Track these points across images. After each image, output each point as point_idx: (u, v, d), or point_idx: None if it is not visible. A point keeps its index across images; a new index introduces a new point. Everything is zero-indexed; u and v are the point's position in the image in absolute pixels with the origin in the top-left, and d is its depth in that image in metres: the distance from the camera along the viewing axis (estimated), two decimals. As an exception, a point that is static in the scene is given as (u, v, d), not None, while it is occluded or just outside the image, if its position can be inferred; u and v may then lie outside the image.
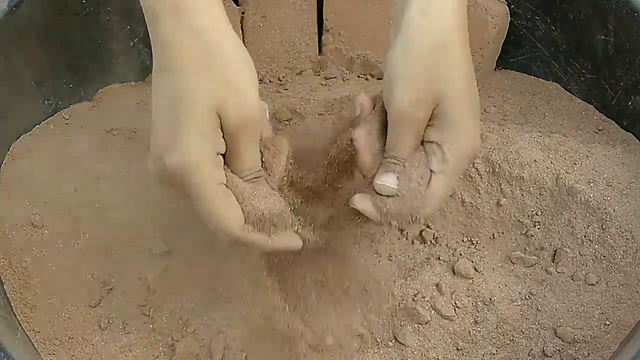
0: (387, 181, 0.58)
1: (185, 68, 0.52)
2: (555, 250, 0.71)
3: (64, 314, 0.68)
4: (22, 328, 0.66)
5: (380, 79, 0.88)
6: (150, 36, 0.54)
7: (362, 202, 0.59)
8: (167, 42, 0.52)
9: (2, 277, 0.69)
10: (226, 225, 0.54)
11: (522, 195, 0.73)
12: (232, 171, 0.56)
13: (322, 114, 0.81)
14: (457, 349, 0.67)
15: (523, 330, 0.67)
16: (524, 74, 0.89)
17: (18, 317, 0.67)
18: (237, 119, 0.53)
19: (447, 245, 0.74)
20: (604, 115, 0.84)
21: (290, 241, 0.59)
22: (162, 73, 0.53)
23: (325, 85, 0.88)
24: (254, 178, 0.57)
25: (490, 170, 0.75)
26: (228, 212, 0.54)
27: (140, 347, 0.67)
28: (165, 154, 0.52)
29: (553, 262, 0.71)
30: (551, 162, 0.74)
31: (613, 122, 0.83)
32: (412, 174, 0.58)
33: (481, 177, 0.75)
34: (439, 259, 0.72)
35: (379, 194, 0.59)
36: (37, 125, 0.80)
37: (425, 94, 0.56)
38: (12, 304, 0.67)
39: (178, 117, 0.51)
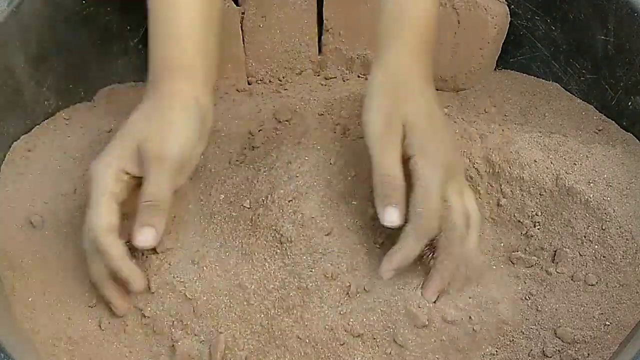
0: (391, 219, 0.64)
1: (140, 108, 0.69)
2: (555, 251, 0.71)
3: (64, 314, 0.68)
4: (22, 328, 0.66)
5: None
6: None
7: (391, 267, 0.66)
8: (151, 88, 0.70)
9: (2, 277, 0.69)
10: (93, 220, 0.65)
11: (522, 195, 0.73)
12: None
13: (322, 114, 0.81)
14: (457, 349, 0.66)
15: (523, 330, 0.67)
16: (524, 74, 0.89)
17: (18, 317, 0.67)
18: (154, 153, 0.65)
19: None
20: (604, 115, 0.84)
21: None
22: (143, 103, 0.69)
23: (325, 85, 0.88)
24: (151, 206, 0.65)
25: (490, 170, 0.75)
26: (98, 213, 0.65)
27: (141, 347, 0.67)
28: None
29: (553, 262, 0.71)
30: (551, 163, 0.74)
31: (613, 122, 0.83)
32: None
33: (481, 178, 0.75)
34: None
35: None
36: (37, 125, 0.80)
37: (394, 116, 0.65)
38: (12, 304, 0.67)
39: (115, 138, 0.68)
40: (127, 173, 0.66)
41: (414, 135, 0.65)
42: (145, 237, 0.64)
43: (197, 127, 0.67)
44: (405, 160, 0.65)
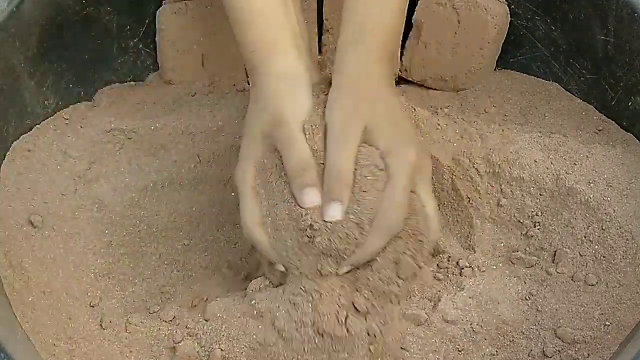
0: (333, 214, 0.64)
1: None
2: (555, 251, 0.71)
3: (64, 314, 0.68)
4: (22, 328, 0.66)
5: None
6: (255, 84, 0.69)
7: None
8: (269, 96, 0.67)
9: (2, 277, 0.68)
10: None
11: (522, 195, 0.73)
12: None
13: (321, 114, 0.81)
14: (458, 350, 0.66)
15: (523, 330, 0.67)
16: (524, 74, 0.89)
17: (18, 317, 0.67)
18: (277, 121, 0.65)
19: (447, 246, 0.74)
20: (604, 115, 0.84)
21: None
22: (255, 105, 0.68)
23: (326, 85, 0.88)
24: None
25: (490, 170, 0.75)
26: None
27: (141, 347, 0.67)
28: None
29: (553, 262, 0.71)
30: (551, 163, 0.74)
31: (613, 122, 0.82)
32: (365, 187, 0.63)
33: (481, 178, 0.75)
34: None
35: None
36: (37, 125, 0.80)
37: (355, 116, 0.65)
38: (12, 304, 0.67)
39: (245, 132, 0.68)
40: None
41: (378, 136, 0.65)
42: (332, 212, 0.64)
43: (309, 94, 0.67)
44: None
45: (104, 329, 0.68)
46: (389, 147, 0.65)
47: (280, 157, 0.65)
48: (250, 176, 0.65)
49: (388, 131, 0.66)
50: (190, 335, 0.67)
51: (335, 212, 0.63)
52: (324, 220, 0.63)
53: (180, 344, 0.67)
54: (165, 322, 0.68)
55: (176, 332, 0.68)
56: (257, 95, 0.67)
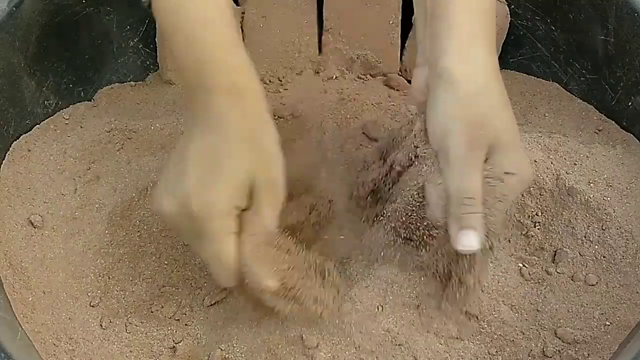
0: (469, 244, 0.60)
1: (230, 137, 0.58)
2: (556, 251, 0.71)
3: (64, 314, 0.68)
4: (22, 328, 0.66)
5: (378, 76, 0.88)
6: (189, 95, 0.59)
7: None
8: (218, 113, 0.58)
9: (2, 277, 0.69)
10: (226, 259, 0.59)
11: (522, 195, 0.73)
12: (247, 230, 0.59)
13: (322, 114, 0.81)
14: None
15: (523, 331, 0.67)
16: (524, 74, 0.89)
17: (18, 317, 0.67)
18: (266, 183, 0.59)
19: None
20: (604, 115, 0.84)
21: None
22: (205, 132, 0.58)
23: (325, 85, 0.88)
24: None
25: (491, 170, 0.75)
26: (230, 251, 0.59)
27: (141, 348, 0.67)
28: (192, 197, 0.57)
29: (553, 262, 0.71)
30: (551, 163, 0.74)
31: (613, 122, 0.83)
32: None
33: (481, 178, 0.75)
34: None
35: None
36: (37, 125, 0.80)
37: (479, 140, 0.59)
38: (12, 304, 0.67)
39: (215, 173, 0.57)
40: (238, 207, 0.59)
41: (500, 153, 0.60)
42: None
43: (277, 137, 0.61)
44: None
45: (104, 329, 0.68)
46: (510, 166, 0.60)
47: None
48: (232, 221, 0.58)
49: (510, 147, 0.60)
50: (190, 335, 0.68)
51: (472, 241, 0.60)
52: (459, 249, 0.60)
53: (180, 344, 0.67)
54: (165, 322, 0.68)
55: (176, 332, 0.68)
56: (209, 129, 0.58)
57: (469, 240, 0.60)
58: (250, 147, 0.58)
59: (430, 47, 0.61)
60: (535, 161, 0.73)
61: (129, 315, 0.69)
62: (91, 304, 0.69)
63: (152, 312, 0.69)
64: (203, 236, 0.58)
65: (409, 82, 0.88)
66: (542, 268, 0.71)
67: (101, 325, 0.68)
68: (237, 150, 0.57)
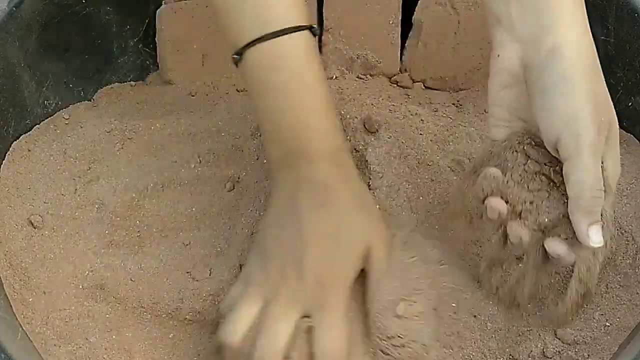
0: (600, 240, 0.56)
1: (344, 209, 0.56)
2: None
3: (64, 315, 0.68)
4: (22, 328, 0.66)
5: (378, 76, 0.88)
6: (300, 172, 0.57)
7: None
8: (324, 184, 0.56)
9: (2, 277, 0.69)
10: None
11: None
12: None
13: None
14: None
15: (523, 331, 0.67)
16: (524, 74, 0.89)
17: (18, 317, 0.67)
18: (383, 252, 0.58)
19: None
20: (604, 115, 0.84)
21: None
22: (316, 205, 0.56)
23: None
24: None
25: (491, 170, 0.74)
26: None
27: (141, 348, 0.67)
28: (319, 269, 0.55)
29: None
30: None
31: (613, 122, 0.83)
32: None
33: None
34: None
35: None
36: (37, 125, 0.80)
37: (603, 124, 0.55)
38: (12, 304, 0.67)
39: (339, 246, 0.56)
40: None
41: (610, 140, 0.56)
42: None
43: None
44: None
45: (103, 329, 0.68)
46: (615, 150, 0.57)
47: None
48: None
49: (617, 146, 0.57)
50: (190, 334, 0.68)
51: (601, 236, 0.56)
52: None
53: (180, 344, 0.67)
54: (166, 321, 0.68)
55: (176, 331, 0.68)
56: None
57: (598, 236, 0.55)
58: (363, 217, 0.57)
59: (529, 21, 0.55)
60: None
61: (128, 316, 0.69)
62: (91, 305, 0.69)
63: (152, 311, 0.69)
64: (324, 307, 0.55)
65: (413, 81, 0.88)
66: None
67: (100, 326, 0.68)
68: (354, 222, 0.56)
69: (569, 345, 0.66)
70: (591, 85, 0.54)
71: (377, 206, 0.60)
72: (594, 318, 0.67)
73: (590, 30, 0.56)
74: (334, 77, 0.89)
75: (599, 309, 0.68)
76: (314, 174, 0.56)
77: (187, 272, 0.71)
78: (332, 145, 0.57)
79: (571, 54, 0.54)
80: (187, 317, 0.68)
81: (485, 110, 0.85)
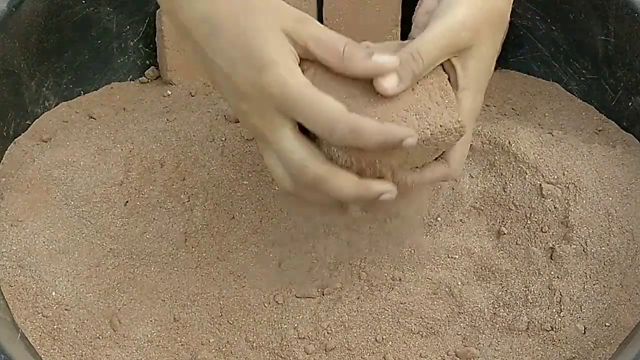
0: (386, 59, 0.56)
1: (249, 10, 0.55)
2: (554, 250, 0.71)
3: (64, 315, 0.68)
4: (22, 329, 0.66)
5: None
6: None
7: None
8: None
9: (1, 277, 0.68)
10: (338, 108, 0.54)
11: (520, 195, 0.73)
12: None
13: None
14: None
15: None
16: (524, 74, 0.89)
17: (18, 318, 0.67)
18: (306, 32, 0.56)
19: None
20: (604, 115, 0.84)
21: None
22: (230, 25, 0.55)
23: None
24: None
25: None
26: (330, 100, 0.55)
27: (142, 347, 0.67)
28: (256, 79, 0.54)
29: (551, 260, 0.71)
30: (551, 163, 0.73)
31: (613, 122, 0.83)
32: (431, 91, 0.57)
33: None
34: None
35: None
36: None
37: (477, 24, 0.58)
38: (12, 305, 0.67)
39: (255, 47, 0.54)
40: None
41: (473, 58, 0.60)
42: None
43: None
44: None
45: (103, 330, 0.68)
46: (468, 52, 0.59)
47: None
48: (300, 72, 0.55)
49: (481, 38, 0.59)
50: (191, 336, 0.68)
51: (389, 84, 0.56)
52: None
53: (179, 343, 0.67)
54: (166, 322, 0.68)
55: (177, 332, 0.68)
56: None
57: (387, 82, 0.56)
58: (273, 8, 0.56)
59: None
60: (535, 161, 0.73)
61: (128, 316, 0.69)
62: (92, 305, 0.69)
63: (152, 311, 0.69)
64: (289, 103, 0.54)
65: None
66: (541, 268, 0.71)
67: (100, 326, 0.68)
68: (260, 20, 0.55)
69: (567, 344, 0.66)
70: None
71: None
72: (593, 318, 0.67)
73: None
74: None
75: (598, 308, 0.68)
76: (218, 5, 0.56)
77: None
78: None
79: None
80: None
81: (485, 110, 0.85)
